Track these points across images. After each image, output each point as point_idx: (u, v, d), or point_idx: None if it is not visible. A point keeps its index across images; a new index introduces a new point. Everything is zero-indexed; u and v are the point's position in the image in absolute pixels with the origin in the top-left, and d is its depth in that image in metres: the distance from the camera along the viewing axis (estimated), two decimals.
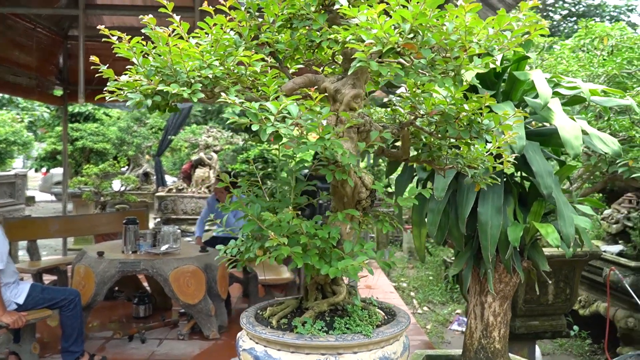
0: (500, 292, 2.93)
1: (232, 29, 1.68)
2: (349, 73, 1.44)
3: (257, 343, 1.75)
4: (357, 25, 1.36)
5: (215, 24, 1.58)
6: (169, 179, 13.72)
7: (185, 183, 10.56)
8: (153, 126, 13.22)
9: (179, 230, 5.65)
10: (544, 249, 3.02)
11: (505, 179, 2.82)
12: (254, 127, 1.37)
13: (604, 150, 2.48)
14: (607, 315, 5.08)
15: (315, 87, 1.71)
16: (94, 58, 1.57)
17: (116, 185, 9.12)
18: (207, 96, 1.50)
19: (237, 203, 1.71)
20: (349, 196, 1.73)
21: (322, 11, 1.63)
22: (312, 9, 1.62)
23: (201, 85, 1.46)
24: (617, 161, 3.27)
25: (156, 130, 13.19)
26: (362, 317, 1.77)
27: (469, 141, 1.73)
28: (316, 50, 1.84)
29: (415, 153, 2.07)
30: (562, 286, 4.21)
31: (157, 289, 6.24)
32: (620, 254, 5.57)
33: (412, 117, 1.80)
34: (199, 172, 10.31)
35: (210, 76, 1.45)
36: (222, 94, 1.39)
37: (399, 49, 1.36)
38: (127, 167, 13.06)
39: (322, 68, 1.91)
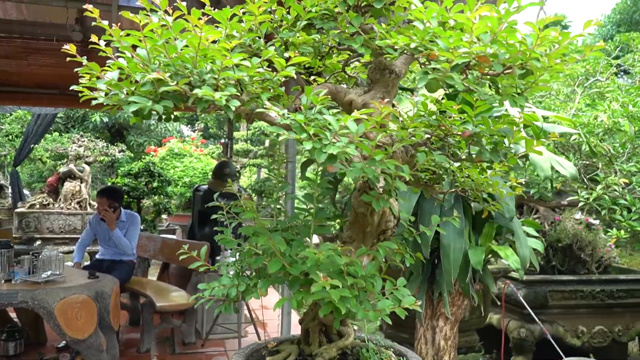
0: (453, 315, 2.89)
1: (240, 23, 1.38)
2: (419, 85, 1.25)
3: None
4: (425, 31, 1.17)
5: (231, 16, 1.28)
6: (26, 193, 12.12)
7: (50, 198, 9.35)
8: (9, 133, 11.57)
9: (61, 254, 4.90)
10: None
11: (462, 202, 2.80)
12: (307, 145, 1.10)
13: (563, 173, 2.56)
14: (502, 326, 5.39)
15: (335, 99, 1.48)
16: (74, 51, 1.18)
17: None
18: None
19: (248, 228, 1.40)
20: (374, 225, 1.52)
21: (355, 13, 1.41)
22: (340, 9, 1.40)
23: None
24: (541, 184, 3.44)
25: (12, 138, 11.55)
26: None
27: (493, 165, 1.62)
28: (324, 57, 1.61)
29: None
30: (477, 303, 4.35)
31: (28, 321, 5.36)
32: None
33: (426, 137, 1.64)
34: (69, 186, 9.19)
35: (247, 79, 1.15)
36: (267, 102, 1.11)
37: (473, 62, 1.20)
38: None
39: (326, 78, 1.68)
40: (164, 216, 10.06)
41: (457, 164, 1.81)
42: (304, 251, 1.30)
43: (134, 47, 1.28)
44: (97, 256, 6.02)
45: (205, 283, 5.72)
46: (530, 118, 2.94)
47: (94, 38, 1.35)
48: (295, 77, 1.27)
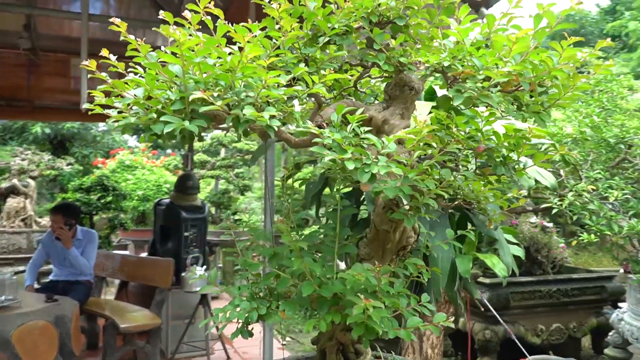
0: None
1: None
2: (455, 103, 1.26)
3: None
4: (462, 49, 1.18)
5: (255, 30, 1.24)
6: None
7: None
8: None
9: (15, 277, 4.61)
10: None
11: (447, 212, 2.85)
12: (349, 165, 1.09)
13: (544, 183, 2.66)
14: (468, 329, 5.52)
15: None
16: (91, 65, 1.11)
17: None
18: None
19: (267, 250, 1.36)
20: (394, 242, 1.51)
21: (379, 29, 1.41)
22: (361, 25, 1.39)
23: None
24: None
25: None
26: None
27: (503, 179, 1.66)
28: (336, 72, 1.60)
29: None
30: (463, 311, 4.43)
31: None
32: None
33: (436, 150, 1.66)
34: (12, 202, 8.69)
35: (285, 97, 1.12)
36: (309, 122, 1.08)
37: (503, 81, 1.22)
38: None
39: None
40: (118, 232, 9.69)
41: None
42: (341, 273, 1.27)
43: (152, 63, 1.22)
44: (50, 277, 5.69)
45: (166, 301, 5.51)
46: (539, 132, 3.05)
47: (104, 52, 1.28)
48: (327, 94, 1.25)
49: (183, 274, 5.41)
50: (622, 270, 5.81)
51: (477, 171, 1.70)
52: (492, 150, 1.56)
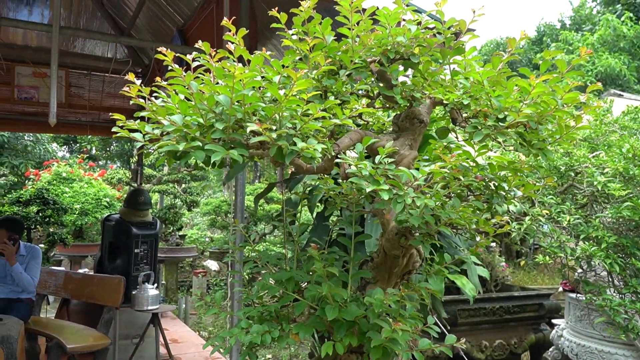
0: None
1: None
2: (475, 139, 1.34)
3: None
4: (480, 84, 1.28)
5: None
6: None
7: None
8: None
9: None
10: None
11: None
12: (384, 195, 1.15)
13: (512, 209, 2.83)
14: None
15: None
16: (131, 90, 1.11)
17: None
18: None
19: (284, 273, 1.39)
20: (401, 266, 1.58)
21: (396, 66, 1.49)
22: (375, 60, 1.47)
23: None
24: None
25: None
26: None
27: (495, 207, 1.77)
28: (342, 104, 1.66)
29: None
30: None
31: None
32: None
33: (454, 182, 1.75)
34: None
35: (324, 130, 1.17)
36: (351, 153, 1.14)
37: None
38: None
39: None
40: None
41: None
42: (368, 298, 1.32)
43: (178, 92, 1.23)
44: None
45: (114, 320, 5.30)
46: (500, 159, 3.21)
47: (130, 76, 1.28)
48: (355, 127, 1.32)
49: (134, 292, 5.24)
50: (560, 289, 6.18)
51: (472, 198, 1.80)
52: (490, 180, 1.67)
